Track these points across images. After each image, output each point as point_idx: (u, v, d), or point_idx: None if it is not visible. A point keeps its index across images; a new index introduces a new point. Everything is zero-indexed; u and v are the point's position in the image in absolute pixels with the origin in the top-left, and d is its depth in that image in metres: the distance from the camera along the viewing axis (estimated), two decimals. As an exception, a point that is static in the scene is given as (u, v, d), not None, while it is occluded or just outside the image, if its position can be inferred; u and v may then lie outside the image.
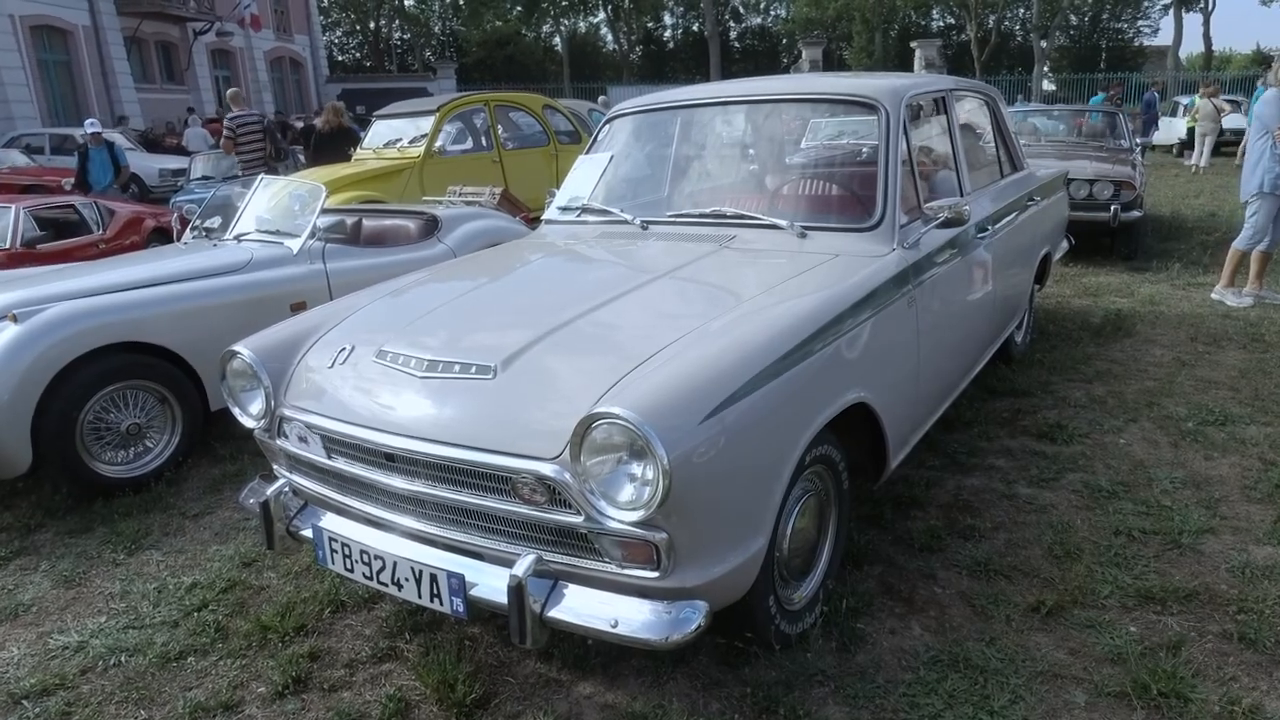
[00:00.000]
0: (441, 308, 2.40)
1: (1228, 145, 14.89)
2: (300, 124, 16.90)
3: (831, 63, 41.26)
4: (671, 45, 52.86)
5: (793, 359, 1.96)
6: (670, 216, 2.91)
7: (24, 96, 18.86)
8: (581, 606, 1.76)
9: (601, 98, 20.68)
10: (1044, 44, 43.53)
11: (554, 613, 1.75)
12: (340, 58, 53.74)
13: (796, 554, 2.16)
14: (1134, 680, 2.03)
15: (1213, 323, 5.06)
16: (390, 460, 1.94)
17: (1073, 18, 46.75)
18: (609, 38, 52.67)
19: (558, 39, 50.05)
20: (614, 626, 1.70)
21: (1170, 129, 17.70)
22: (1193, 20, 40.88)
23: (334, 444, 2.07)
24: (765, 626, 2.03)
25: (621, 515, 1.66)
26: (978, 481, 3.12)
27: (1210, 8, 40.89)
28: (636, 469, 1.66)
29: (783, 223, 2.68)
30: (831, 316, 2.15)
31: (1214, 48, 42.48)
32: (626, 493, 1.67)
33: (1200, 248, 7.21)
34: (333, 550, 2.06)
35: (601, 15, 51.21)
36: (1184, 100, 18.10)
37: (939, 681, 2.06)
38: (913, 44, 29.99)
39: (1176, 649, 2.16)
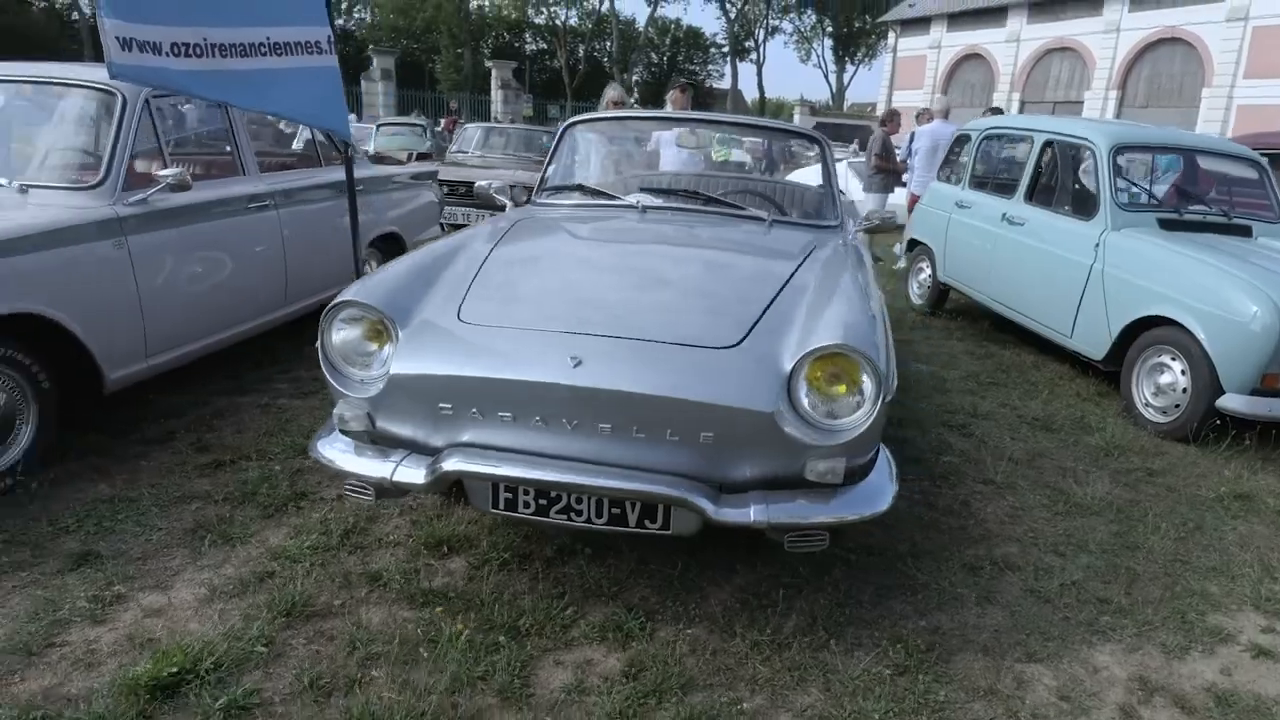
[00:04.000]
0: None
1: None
2: None
3: (411, 72, 42.81)
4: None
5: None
6: None
7: None
8: None
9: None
10: (626, 76, 50.13)
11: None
12: None
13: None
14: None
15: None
16: None
17: (653, 55, 54.79)
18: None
19: (75, 13, 44.67)
20: None
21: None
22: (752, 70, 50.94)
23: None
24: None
25: None
26: (249, 399, 4.27)
27: (761, 60, 51.02)
28: None
29: None
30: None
31: (768, 95, 53.09)
32: None
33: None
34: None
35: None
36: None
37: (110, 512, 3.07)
38: (488, 63, 32.95)
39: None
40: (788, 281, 2.80)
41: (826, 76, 51.68)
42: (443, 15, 47.53)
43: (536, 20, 51.55)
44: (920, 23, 32.01)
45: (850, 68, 50.20)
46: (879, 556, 2.99)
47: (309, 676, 2.28)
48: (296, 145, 5.70)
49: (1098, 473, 3.87)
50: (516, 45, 52.92)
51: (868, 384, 2.32)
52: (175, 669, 2.25)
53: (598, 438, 2.30)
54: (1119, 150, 4.95)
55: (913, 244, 7.01)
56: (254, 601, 2.60)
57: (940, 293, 6.64)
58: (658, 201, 3.53)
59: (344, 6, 53.91)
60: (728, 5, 44.43)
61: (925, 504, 3.45)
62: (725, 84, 48.62)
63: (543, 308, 2.56)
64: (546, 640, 2.47)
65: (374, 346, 2.51)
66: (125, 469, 3.43)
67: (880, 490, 2.44)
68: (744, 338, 2.43)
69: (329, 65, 3.18)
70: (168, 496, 3.23)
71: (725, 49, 48.83)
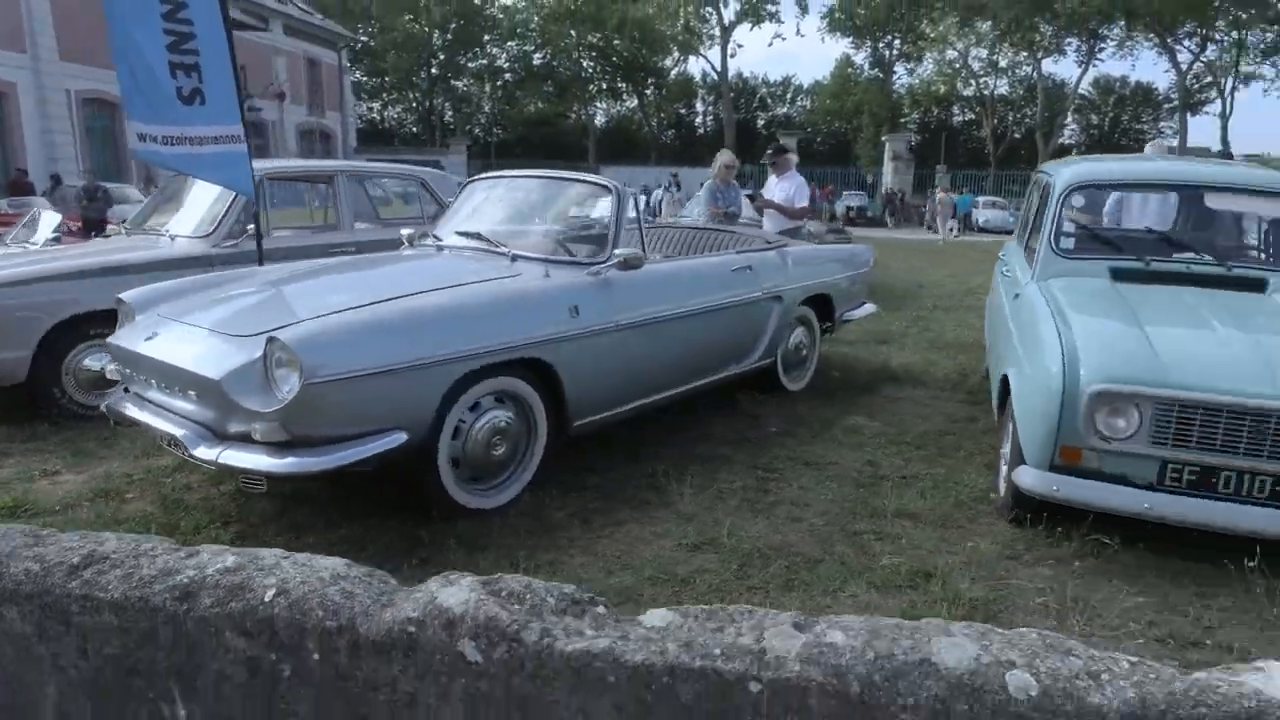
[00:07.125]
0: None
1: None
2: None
3: (839, 150, 44.01)
4: (701, 130, 57.20)
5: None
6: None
7: (69, 155, 23.67)
8: None
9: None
10: (1060, 142, 45.45)
11: None
12: (400, 129, 60.03)
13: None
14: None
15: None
16: None
17: (1093, 117, 48.83)
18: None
19: (600, 118, 54.93)
20: None
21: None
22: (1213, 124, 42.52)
23: None
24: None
25: None
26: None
27: (1228, 112, 42.37)
28: None
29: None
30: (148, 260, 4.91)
31: (1233, 151, 43.44)
32: None
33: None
34: None
35: (634, 101, 55.87)
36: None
37: (129, 435, 4.71)
38: (884, 138, 32.79)
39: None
40: (404, 296, 3.25)
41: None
42: (868, 96, 48.39)
43: (965, 92, 49.51)
44: None
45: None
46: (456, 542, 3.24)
47: (59, 525, 3.46)
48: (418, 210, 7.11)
49: (805, 527, 3.38)
50: (944, 118, 51.38)
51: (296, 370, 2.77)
52: (13, 505, 3.62)
53: (169, 392, 3.12)
54: (1076, 188, 4.03)
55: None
56: (95, 485, 3.89)
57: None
58: (452, 241, 4.14)
59: (788, 97, 57.87)
60: (1178, 57, 37.92)
61: (582, 521, 3.46)
62: (1176, 141, 41.15)
63: (208, 306, 3.45)
64: (201, 538, 3.33)
65: (129, 326, 3.65)
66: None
67: (337, 460, 2.82)
68: (277, 328, 2.95)
69: (240, 149, 4.51)
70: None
71: (1175, 104, 41.56)
